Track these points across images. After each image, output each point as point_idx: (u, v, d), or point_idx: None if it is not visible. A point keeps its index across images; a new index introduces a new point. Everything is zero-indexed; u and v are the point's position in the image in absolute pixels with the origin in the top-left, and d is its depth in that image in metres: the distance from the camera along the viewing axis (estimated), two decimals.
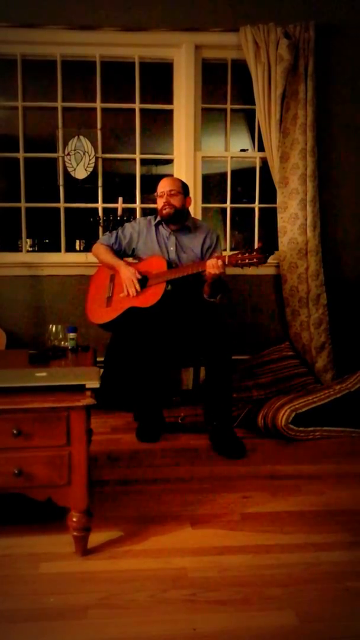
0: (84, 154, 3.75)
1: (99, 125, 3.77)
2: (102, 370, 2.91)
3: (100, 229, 3.77)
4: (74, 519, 1.84)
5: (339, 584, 1.72)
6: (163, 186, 3.06)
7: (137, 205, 3.89)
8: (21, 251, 3.91)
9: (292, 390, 3.43)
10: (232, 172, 3.92)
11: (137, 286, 2.96)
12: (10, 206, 3.84)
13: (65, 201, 3.82)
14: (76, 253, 4.17)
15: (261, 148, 3.79)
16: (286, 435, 2.93)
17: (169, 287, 2.95)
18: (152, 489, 2.38)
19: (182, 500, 2.27)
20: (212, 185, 4.22)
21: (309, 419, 2.97)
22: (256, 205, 3.93)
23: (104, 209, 3.85)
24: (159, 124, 4.01)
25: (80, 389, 1.85)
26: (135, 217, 3.78)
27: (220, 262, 2.76)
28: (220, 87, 3.84)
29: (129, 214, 3.77)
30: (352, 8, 3.68)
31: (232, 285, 3.62)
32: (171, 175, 3.26)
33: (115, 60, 3.77)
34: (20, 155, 3.78)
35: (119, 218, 3.63)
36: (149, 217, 3.22)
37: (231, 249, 4.10)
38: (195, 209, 3.77)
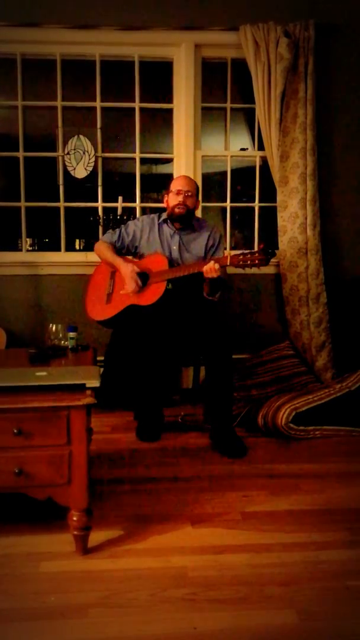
0: (84, 153, 3.75)
1: (98, 125, 3.76)
2: (102, 370, 2.90)
3: (100, 228, 3.77)
4: (75, 518, 1.84)
5: (340, 582, 1.73)
6: (182, 185, 3.05)
7: (137, 204, 3.89)
8: (21, 250, 3.90)
9: (292, 389, 3.43)
10: (232, 171, 3.91)
11: (139, 281, 2.95)
12: (10, 205, 3.84)
13: (65, 200, 3.82)
14: (76, 252, 4.17)
15: (261, 147, 3.78)
16: (286, 434, 2.93)
17: (170, 285, 2.95)
18: (152, 488, 2.38)
19: (183, 499, 2.27)
20: (212, 184, 4.22)
21: (309, 418, 2.97)
22: (256, 204, 3.93)
23: (104, 208, 3.84)
24: (159, 123, 4.01)
25: (80, 388, 1.85)
26: (135, 216, 3.78)
27: (217, 266, 2.75)
28: (220, 86, 3.84)
29: (129, 213, 3.77)
30: (352, 8, 3.67)
31: (231, 284, 3.62)
32: (184, 175, 3.24)
33: (115, 59, 3.76)
34: (20, 154, 3.78)
35: (118, 217, 3.63)
36: (152, 215, 3.21)
37: (231, 248, 4.09)
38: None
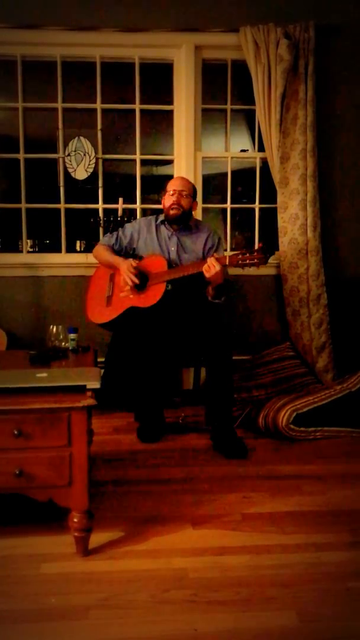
0: (84, 154, 3.76)
1: (99, 126, 3.77)
2: (102, 371, 2.91)
3: (101, 230, 3.78)
4: (75, 520, 1.84)
5: (340, 584, 1.72)
6: (176, 185, 3.05)
7: (138, 205, 3.89)
8: (22, 252, 3.91)
9: (293, 390, 3.43)
10: (232, 172, 3.92)
11: (135, 279, 2.93)
12: (11, 207, 3.84)
13: (66, 202, 3.82)
14: (77, 254, 4.17)
15: (261, 148, 3.79)
16: (287, 436, 2.93)
17: (169, 287, 2.95)
18: (152, 489, 2.38)
19: (183, 500, 2.27)
20: (213, 185, 4.22)
21: (309, 419, 2.97)
22: (256, 206, 3.93)
23: (105, 210, 3.85)
24: (159, 124, 4.01)
25: (81, 390, 1.85)
26: (135, 218, 3.78)
27: (216, 263, 2.73)
28: (221, 87, 3.84)
29: (130, 215, 3.78)
30: (352, 9, 3.68)
31: (234, 284, 3.62)
32: (180, 176, 3.25)
33: (115, 60, 3.77)
34: (21, 156, 3.78)
35: (119, 219, 3.63)
36: (149, 217, 3.22)
37: (232, 249, 4.10)
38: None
